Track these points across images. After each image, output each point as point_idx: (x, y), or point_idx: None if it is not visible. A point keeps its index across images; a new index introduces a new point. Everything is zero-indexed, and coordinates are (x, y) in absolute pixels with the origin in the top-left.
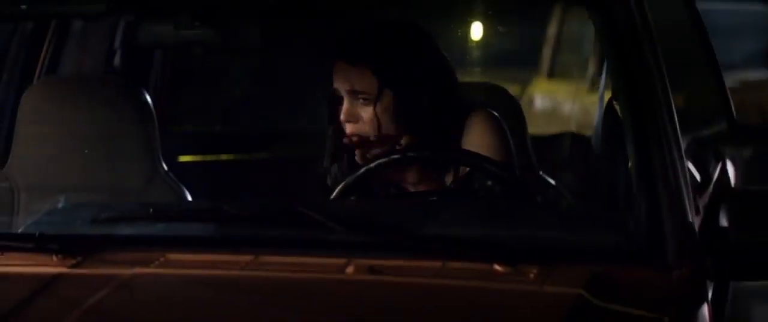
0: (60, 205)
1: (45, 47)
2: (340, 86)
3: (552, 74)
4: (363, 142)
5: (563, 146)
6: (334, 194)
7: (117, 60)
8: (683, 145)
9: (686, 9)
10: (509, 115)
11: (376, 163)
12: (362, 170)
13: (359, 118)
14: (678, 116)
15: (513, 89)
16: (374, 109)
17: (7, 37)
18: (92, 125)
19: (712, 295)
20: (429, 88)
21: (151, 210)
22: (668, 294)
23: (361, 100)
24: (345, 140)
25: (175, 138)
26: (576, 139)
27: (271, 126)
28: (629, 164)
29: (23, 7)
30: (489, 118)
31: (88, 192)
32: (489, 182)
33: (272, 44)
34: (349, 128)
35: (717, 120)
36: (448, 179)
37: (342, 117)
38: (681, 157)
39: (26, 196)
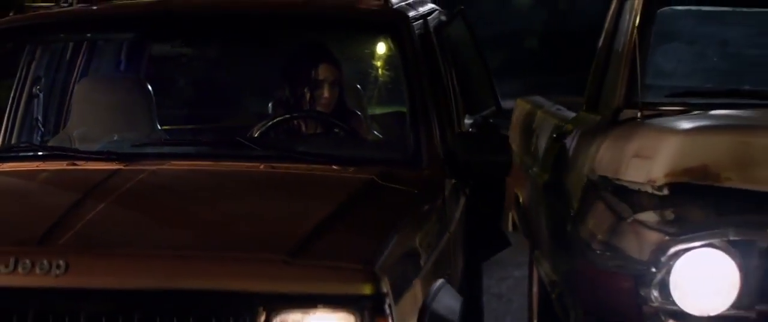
0: (115, 138)
1: (80, 59)
2: (325, 75)
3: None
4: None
5: (387, 118)
6: (256, 131)
7: (122, 66)
8: (470, 120)
9: (468, 32)
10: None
11: (281, 117)
12: (276, 119)
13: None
14: (468, 101)
15: None
16: (335, 88)
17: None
18: (116, 102)
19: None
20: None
21: (161, 139)
22: (420, 181)
23: (330, 83)
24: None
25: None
26: (393, 113)
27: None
28: (409, 123)
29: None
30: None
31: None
32: (337, 130)
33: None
34: (326, 94)
35: (489, 105)
36: (318, 129)
37: (326, 92)
38: (435, 119)
39: (78, 142)
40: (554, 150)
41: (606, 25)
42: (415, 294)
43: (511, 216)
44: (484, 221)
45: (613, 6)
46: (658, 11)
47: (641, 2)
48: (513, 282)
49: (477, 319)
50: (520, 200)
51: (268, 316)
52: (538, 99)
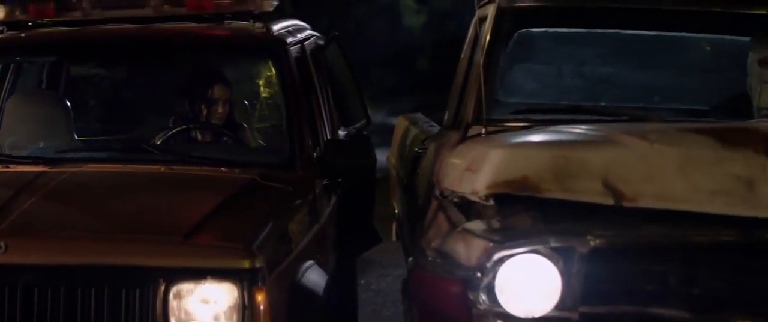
0: (40, 146)
1: (8, 77)
2: (219, 94)
3: None
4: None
5: (269, 129)
6: (158, 139)
7: (43, 84)
8: (344, 131)
9: (342, 55)
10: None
11: (179, 128)
12: (175, 129)
13: (222, 106)
14: (342, 115)
15: None
16: (226, 104)
17: None
18: (40, 116)
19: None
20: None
21: (80, 146)
22: (294, 180)
23: (222, 100)
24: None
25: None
26: (274, 125)
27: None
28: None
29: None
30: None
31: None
32: (226, 139)
33: (134, 78)
34: (220, 110)
35: (361, 117)
36: (210, 138)
37: (219, 108)
38: (308, 129)
39: (9, 149)
40: (413, 163)
41: (465, 45)
42: (286, 270)
43: (394, 226)
44: (356, 218)
45: (471, 28)
46: (517, 33)
47: (492, 25)
48: (391, 279)
49: (352, 308)
50: (396, 211)
51: (167, 286)
52: (416, 116)
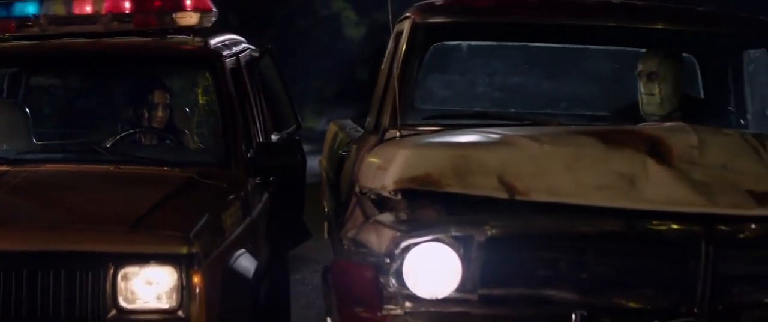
0: (4, 148)
1: None
2: (160, 100)
3: None
4: (158, 120)
5: (207, 132)
6: (108, 142)
7: (4, 93)
8: (276, 136)
9: (274, 67)
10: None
11: (126, 132)
12: (122, 134)
13: (161, 110)
14: (275, 121)
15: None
16: (167, 109)
17: None
18: (2, 120)
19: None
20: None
21: (39, 149)
22: (228, 178)
23: (163, 106)
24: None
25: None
26: (212, 129)
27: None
28: (221, 136)
29: None
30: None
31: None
32: (168, 141)
33: (87, 87)
34: (160, 113)
35: (292, 123)
36: (154, 140)
37: (159, 112)
38: (241, 133)
39: None
40: (338, 164)
41: (385, 57)
42: (219, 256)
43: (325, 224)
44: (287, 214)
45: (391, 41)
46: (433, 46)
47: (407, 39)
48: None
49: (285, 299)
50: (326, 210)
51: (115, 269)
52: (345, 122)
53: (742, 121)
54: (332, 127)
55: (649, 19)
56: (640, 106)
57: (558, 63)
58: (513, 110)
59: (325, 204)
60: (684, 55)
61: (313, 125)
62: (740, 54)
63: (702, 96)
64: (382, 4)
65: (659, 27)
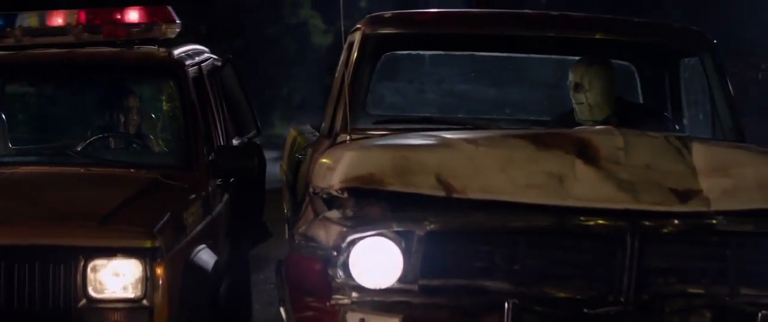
0: None
1: None
2: (130, 104)
3: None
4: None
5: (171, 137)
6: (79, 146)
7: None
8: (237, 140)
9: (235, 75)
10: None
11: (96, 137)
12: (93, 138)
13: (131, 117)
14: (236, 126)
15: None
16: (135, 115)
17: None
18: None
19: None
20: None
21: (14, 152)
22: (190, 179)
23: (131, 112)
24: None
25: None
26: (176, 134)
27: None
28: (184, 140)
29: None
30: (151, 120)
31: None
32: (135, 145)
33: (60, 95)
34: (130, 118)
35: (252, 129)
36: (122, 144)
37: (129, 117)
38: (202, 137)
39: None
40: (296, 167)
41: (339, 66)
42: (181, 251)
43: (286, 226)
44: (247, 215)
45: (344, 51)
46: (384, 54)
47: (358, 49)
48: None
49: (247, 294)
50: (286, 211)
51: (85, 262)
52: (304, 127)
53: (677, 127)
54: (292, 133)
55: (587, 29)
56: (574, 113)
57: (503, 71)
58: (459, 115)
59: (284, 206)
60: (624, 62)
61: (281, 132)
62: (677, 62)
63: (641, 102)
64: (350, 12)
65: (597, 37)
